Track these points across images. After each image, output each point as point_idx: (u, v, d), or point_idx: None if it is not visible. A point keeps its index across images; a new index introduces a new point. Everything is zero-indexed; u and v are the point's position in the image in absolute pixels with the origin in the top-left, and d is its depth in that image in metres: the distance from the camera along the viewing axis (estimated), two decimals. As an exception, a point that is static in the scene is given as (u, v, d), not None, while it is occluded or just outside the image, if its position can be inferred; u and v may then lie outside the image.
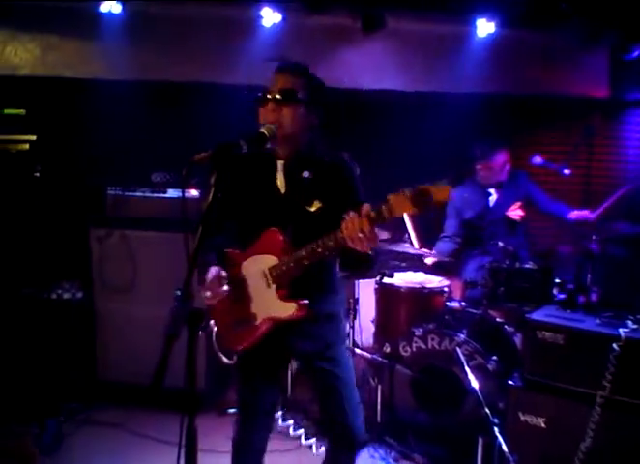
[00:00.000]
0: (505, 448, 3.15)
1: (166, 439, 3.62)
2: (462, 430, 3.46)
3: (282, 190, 2.39)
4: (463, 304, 3.98)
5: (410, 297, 3.99)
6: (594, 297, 3.93)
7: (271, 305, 2.36)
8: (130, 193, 4.30)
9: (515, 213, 4.39)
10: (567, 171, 4.35)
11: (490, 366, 3.45)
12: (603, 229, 3.92)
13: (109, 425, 3.97)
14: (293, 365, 4.28)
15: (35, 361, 4.06)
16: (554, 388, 3.12)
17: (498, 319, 3.95)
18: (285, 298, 2.34)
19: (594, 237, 3.97)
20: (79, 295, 4.26)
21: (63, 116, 4.67)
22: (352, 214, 2.04)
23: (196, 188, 4.00)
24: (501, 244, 3.94)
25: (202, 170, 1.97)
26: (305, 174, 2.35)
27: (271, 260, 2.35)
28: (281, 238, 2.33)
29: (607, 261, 4.20)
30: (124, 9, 4.36)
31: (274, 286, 2.35)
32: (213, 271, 2.37)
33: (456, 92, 5.06)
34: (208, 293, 2.36)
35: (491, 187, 4.48)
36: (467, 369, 3.41)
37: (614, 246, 4.15)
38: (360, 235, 2.02)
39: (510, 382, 3.29)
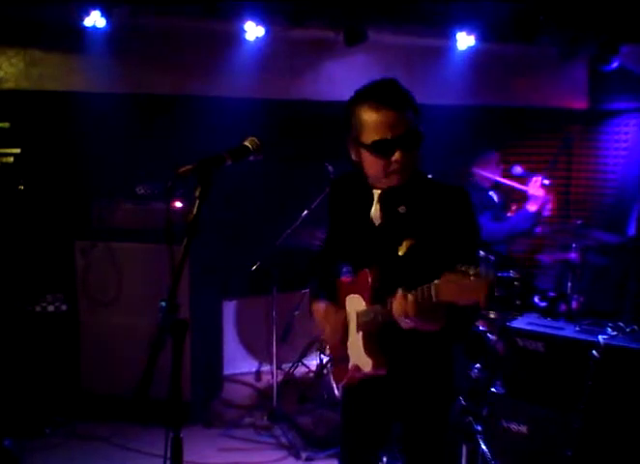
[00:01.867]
0: (488, 455, 3.18)
1: (152, 452, 3.63)
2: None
3: (377, 223, 2.14)
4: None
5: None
6: (574, 305, 4.00)
7: (357, 353, 2.15)
8: (115, 205, 4.31)
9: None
10: (546, 181, 4.43)
11: (473, 374, 3.50)
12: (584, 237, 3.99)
13: (94, 438, 3.96)
14: (277, 374, 4.30)
15: (19, 373, 4.05)
16: (535, 395, 3.17)
17: (480, 327, 3.99)
18: (367, 350, 2.09)
19: (574, 246, 4.04)
20: (64, 307, 4.25)
21: (47, 129, 4.67)
22: (399, 293, 1.85)
23: (181, 200, 4.03)
24: (482, 252, 3.99)
25: (187, 182, 1.99)
26: (401, 209, 2.08)
27: (360, 303, 2.14)
28: (370, 281, 2.08)
29: (588, 269, 4.27)
30: (108, 23, 4.38)
31: (360, 334, 2.13)
32: (320, 305, 2.29)
33: (437, 104, 5.12)
34: (326, 330, 2.25)
35: (490, 189, 4.54)
36: (450, 377, 3.45)
37: (594, 254, 4.23)
38: (405, 319, 1.85)
39: (493, 389, 3.34)
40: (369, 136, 2.00)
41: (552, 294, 4.21)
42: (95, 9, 4.31)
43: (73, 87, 4.67)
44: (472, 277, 1.65)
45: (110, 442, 3.92)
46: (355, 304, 2.18)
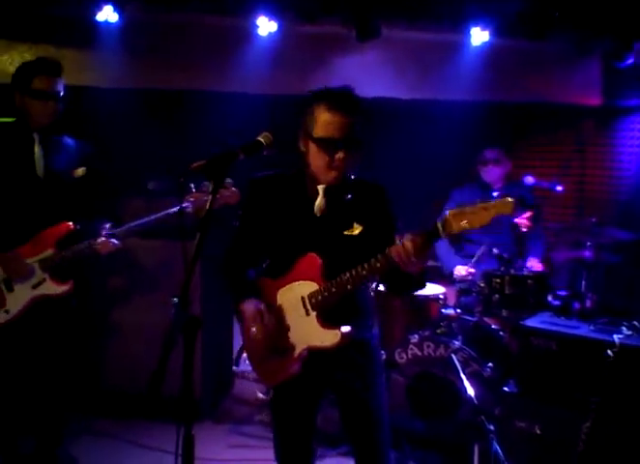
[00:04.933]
0: (500, 454, 3.16)
1: (163, 448, 3.62)
2: (458, 437, 3.47)
3: (318, 213, 2.33)
4: (458, 310, 4.00)
5: (406, 304, 4.00)
6: (588, 303, 3.96)
7: (311, 334, 2.28)
8: (127, 201, 4.30)
9: (523, 222, 4.32)
10: (559, 188, 4.36)
11: (485, 373, 3.47)
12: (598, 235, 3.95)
13: (107, 435, 3.95)
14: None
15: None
16: (549, 394, 3.15)
17: (493, 326, 3.96)
18: (327, 325, 2.26)
19: (588, 244, 4.00)
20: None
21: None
22: (407, 238, 2.08)
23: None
24: (495, 250, 3.96)
25: (199, 177, 1.99)
26: (348, 196, 2.33)
27: (310, 286, 2.28)
28: (320, 263, 2.26)
29: (602, 267, 4.23)
30: (120, 18, 4.38)
31: (314, 313, 2.28)
32: (251, 305, 2.32)
33: (450, 99, 5.09)
34: (254, 329, 2.29)
35: (495, 190, 4.47)
36: (462, 376, 3.43)
37: (608, 252, 4.18)
38: (413, 259, 2.06)
39: (506, 389, 3.31)
40: (319, 132, 2.22)
41: (566, 292, 4.17)
42: (107, 4, 4.31)
43: (85, 82, 4.67)
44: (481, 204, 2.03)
45: (121, 438, 3.91)
46: (297, 291, 2.31)
